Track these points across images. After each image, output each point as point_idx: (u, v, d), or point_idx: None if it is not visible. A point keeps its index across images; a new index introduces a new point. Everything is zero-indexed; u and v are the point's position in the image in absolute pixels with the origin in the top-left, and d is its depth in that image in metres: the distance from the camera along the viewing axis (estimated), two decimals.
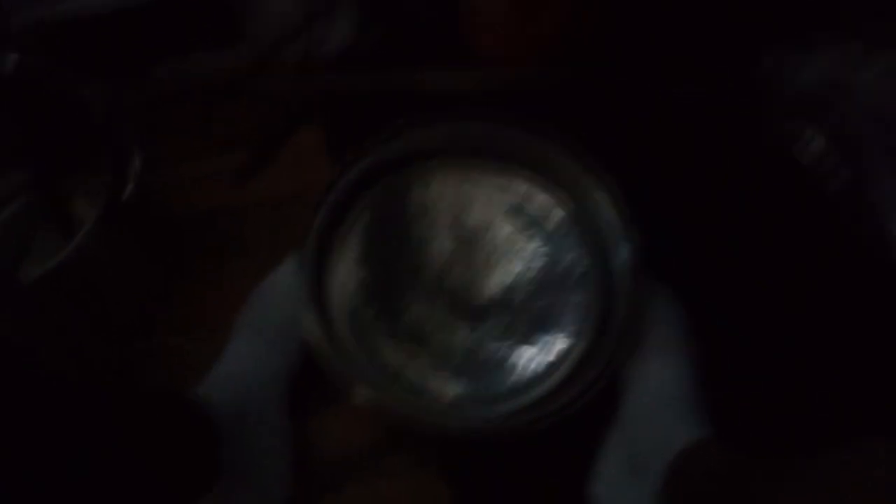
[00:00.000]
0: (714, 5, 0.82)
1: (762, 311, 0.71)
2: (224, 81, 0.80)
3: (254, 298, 0.63)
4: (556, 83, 0.83)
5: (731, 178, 0.78)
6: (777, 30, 0.81)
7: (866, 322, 0.69)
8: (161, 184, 0.71)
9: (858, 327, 0.69)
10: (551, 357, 0.58)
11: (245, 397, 0.56)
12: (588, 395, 0.54)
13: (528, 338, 0.59)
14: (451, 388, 0.57)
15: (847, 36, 0.77)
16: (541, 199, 0.64)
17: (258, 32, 0.82)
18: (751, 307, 0.71)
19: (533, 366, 0.58)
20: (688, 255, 0.71)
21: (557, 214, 0.63)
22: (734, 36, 0.82)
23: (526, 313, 0.60)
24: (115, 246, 0.59)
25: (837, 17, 0.78)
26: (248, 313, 0.62)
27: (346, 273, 0.61)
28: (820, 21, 0.79)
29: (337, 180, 0.62)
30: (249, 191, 0.75)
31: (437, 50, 0.85)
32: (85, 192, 0.66)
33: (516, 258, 0.62)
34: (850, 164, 0.75)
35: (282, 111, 0.80)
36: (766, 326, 0.70)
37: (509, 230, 0.63)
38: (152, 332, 0.66)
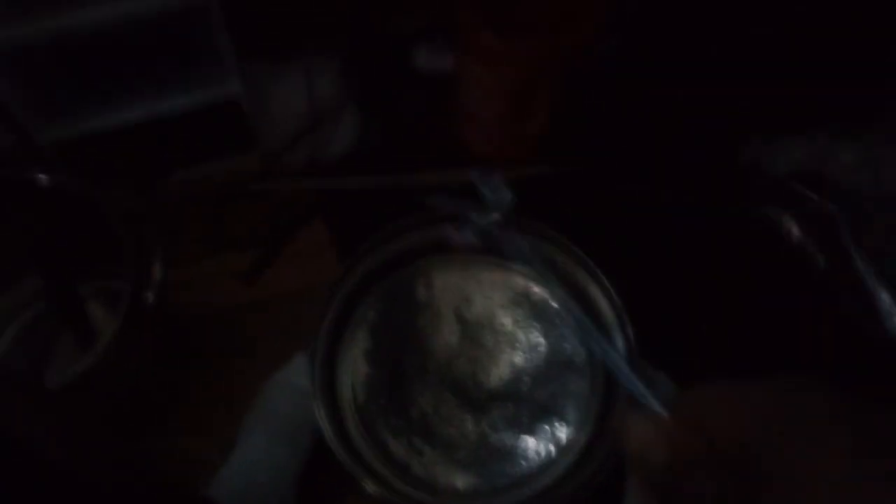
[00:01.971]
0: (695, 101, 0.88)
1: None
2: (233, 185, 0.84)
3: (263, 394, 0.64)
4: (546, 179, 0.87)
5: (719, 264, 0.81)
6: (753, 124, 0.87)
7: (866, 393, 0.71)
8: (170, 284, 0.74)
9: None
10: (556, 446, 0.60)
11: (254, 494, 0.57)
12: (594, 483, 0.55)
13: (532, 427, 0.61)
14: (458, 481, 0.58)
15: (814, 130, 0.83)
16: (538, 293, 0.66)
17: (268, 138, 0.87)
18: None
19: (538, 455, 0.59)
20: (682, 340, 0.73)
21: (555, 306, 0.66)
22: (715, 130, 0.87)
23: (529, 403, 0.62)
24: (128, 348, 0.61)
25: (806, 114, 0.84)
26: (257, 409, 0.64)
27: (353, 368, 0.63)
28: (791, 117, 0.85)
29: (342, 278, 0.65)
30: (257, 289, 0.78)
31: (433, 150, 0.90)
32: (101, 297, 0.69)
33: (517, 350, 0.64)
34: (827, 247, 0.79)
35: (288, 211, 0.84)
36: None
37: (509, 322, 0.65)
38: (162, 432, 0.67)
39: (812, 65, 0.79)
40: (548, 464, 0.59)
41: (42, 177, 0.64)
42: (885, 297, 0.72)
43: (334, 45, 0.94)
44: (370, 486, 0.55)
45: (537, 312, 0.66)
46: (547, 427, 0.61)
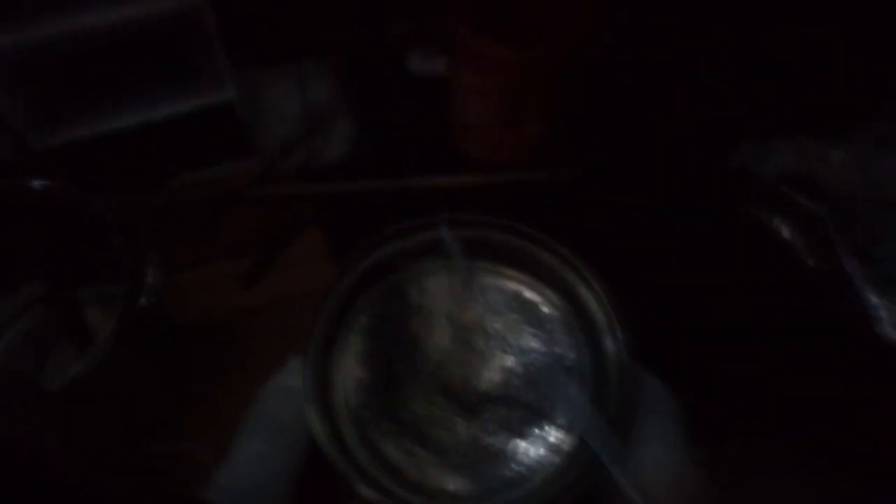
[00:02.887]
0: (686, 103, 0.89)
1: (751, 392, 0.73)
2: (230, 190, 0.85)
3: (259, 398, 0.65)
4: (539, 184, 0.88)
5: (712, 265, 0.82)
6: (744, 129, 0.88)
7: (854, 392, 0.72)
8: (168, 289, 0.75)
9: (846, 398, 0.72)
10: (546, 448, 0.60)
11: (252, 496, 0.58)
12: (585, 486, 0.56)
13: (523, 430, 0.61)
14: (450, 483, 0.59)
15: (803, 133, 0.83)
16: (530, 296, 0.67)
17: (263, 143, 0.88)
18: (739, 387, 0.73)
19: (529, 457, 0.60)
20: (676, 341, 0.74)
21: (546, 310, 0.67)
22: (706, 134, 0.88)
23: (521, 406, 0.62)
24: (126, 352, 0.62)
25: (796, 117, 0.85)
26: (253, 413, 0.64)
27: (347, 372, 0.64)
28: (781, 120, 0.86)
29: (336, 284, 0.65)
30: (254, 294, 0.78)
31: (428, 155, 0.91)
32: (98, 302, 0.70)
33: (509, 353, 0.65)
34: (816, 248, 0.80)
35: (284, 216, 0.84)
36: (756, 405, 0.72)
37: (501, 326, 0.66)
38: (160, 437, 0.68)
39: (800, 65, 0.80)
40: (539, 466, 0.60)
41: (39, 183, 0.64)
42: (872, 297, 0.73)
43: (329, 51, 0.94)
44: (363, 489, 0.56)
45: (529, 316, 0.67)
46: (538, 429, 0.61)
